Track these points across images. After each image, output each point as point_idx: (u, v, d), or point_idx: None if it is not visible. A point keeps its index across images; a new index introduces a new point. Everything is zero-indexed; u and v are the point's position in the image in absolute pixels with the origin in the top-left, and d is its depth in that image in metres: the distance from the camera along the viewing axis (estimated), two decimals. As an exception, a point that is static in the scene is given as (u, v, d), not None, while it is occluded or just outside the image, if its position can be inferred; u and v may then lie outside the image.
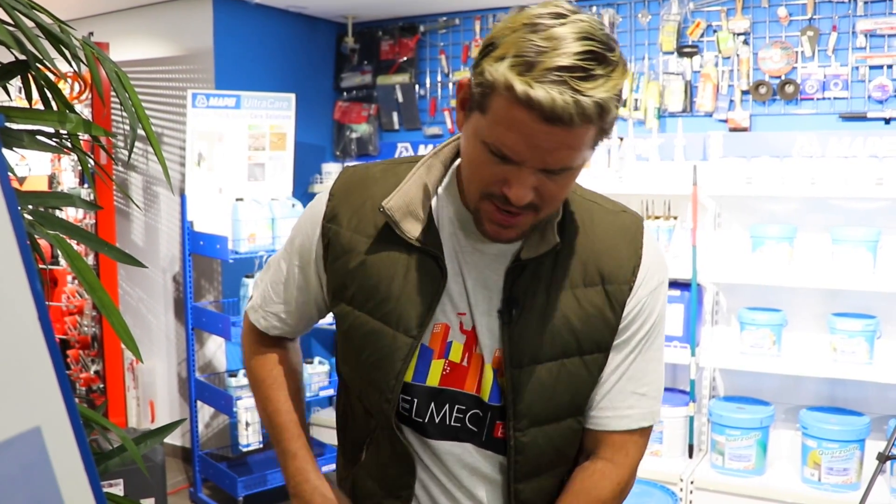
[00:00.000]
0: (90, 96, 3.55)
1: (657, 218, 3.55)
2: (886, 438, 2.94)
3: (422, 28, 4.37)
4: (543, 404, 1.08)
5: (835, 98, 3.42)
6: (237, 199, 3.65)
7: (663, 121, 3.75)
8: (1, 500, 0.66)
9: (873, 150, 3.29)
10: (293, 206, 3.80)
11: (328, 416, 4.41)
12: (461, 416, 1.11)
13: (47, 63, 1.15)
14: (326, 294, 1.19)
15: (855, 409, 3.28)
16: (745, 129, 3.57)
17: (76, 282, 3.83)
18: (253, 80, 4.07)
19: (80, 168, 3.72)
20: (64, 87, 3.42)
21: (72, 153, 1.33)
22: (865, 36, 3.34)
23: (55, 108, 1.26)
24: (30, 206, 1.22)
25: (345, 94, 4.61)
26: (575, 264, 1.09)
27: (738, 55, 3.58)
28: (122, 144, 4.23)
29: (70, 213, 3.58)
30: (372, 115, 4.48)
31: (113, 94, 3.38)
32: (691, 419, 3.46)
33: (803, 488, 3.18)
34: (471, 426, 1.11)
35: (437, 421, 1.11)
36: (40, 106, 1.27)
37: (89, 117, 3.54)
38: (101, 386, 3.75)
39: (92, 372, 3.76)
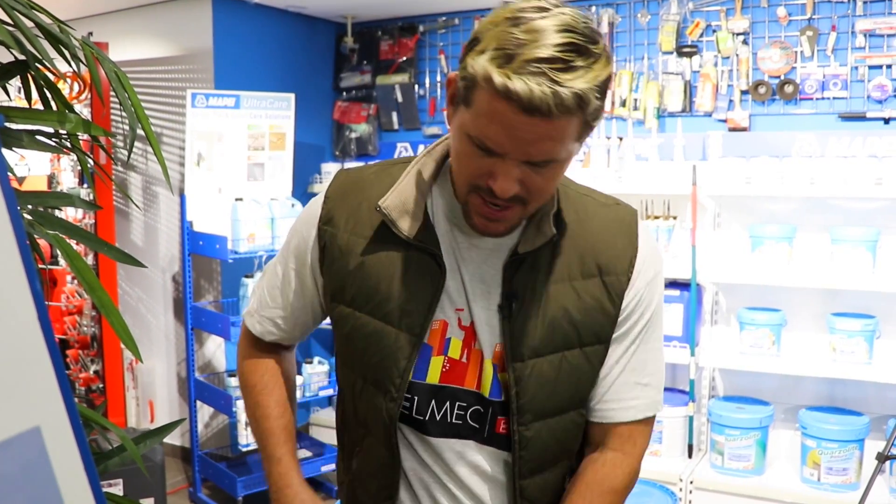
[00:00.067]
0: (89, 96, 3.55)
1: (656, 218, 3.55)
2: (886, 438, 2.94)
3: (421, 28, 4.37)
4: (546, 397, 1.09)
5: (834, 98, 3.42)
6: (236, 199, 3.65)
7: (663, 121, 3.75)
8: (1, 499, 0.66)
9: (872, 150, 3.29)
10: (292, 205, 3.80)
11: (328, 416, 4.41)
12: (462, 412, 1.11)
13: (47, 63, 1.15)
14: (323, 298, 1.19)
15: (854, 408, 3.29)
16: (744, 129, 3.57)
17: (75, 282, 3.83)
18: (252, 79, 4.07)
19: (79, 168, 3.72)
20: (63, 87, 3.42)
21: (71, 153, 1.33)
22: (865, 36, 3.34)
23: (55, 108, 1.26)
24: (29, 206, 1.22)
25: (344, 93, 4.61)
26: (572, 257, 1.10)
27: (737, 55, 3.58)
28: (121, 144, 4.23)
29: (69, 213, 3.58)
30: (371, 114, 4.48)
31: (112, 94, 3.39)
32: (691, 419, 3.46)
33: (803, 488, 3.18)
34: (472, 423, 1.11)
35: (437, 418, 1.11)
36: (40, 106, 1.27)
37: (89, 117, 3.53)
38: (101, 386, 3.75)
39: (91, 372, 3.76)
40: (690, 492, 3.29)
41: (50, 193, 1.68)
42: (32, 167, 3.93)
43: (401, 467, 1.14)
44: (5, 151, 1.12)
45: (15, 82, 2.03)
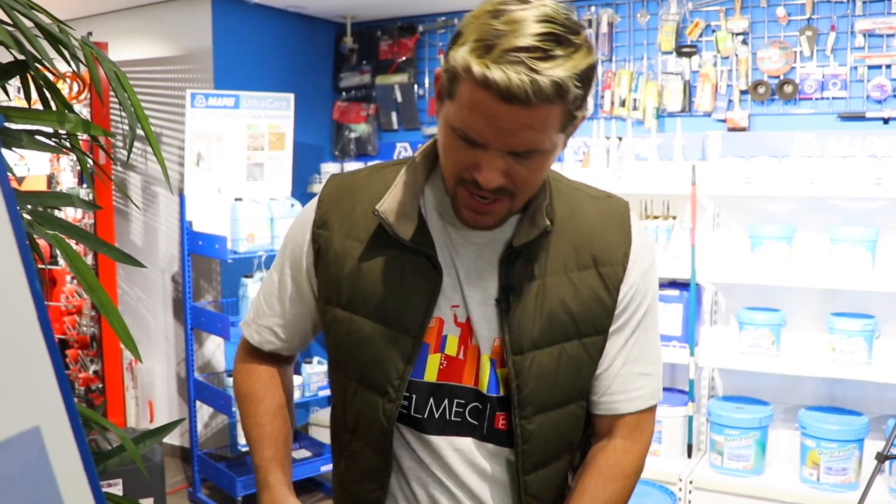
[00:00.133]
0: (89, 96, 3.55)
1: (656, 218, 3.55)
2: (885, 438, 2.94)
3: (420, 28, 4.37)
4: (546, 390, 1.09)
5: (833, 98, 3.43)
6: (236, 199, 3.65)
7: (662, 121, 3.75)
8: (1, 499, 0.66)
9: (872, 150, 3.29)
10: (292, 206, 3.80)
11: (327, 416, 4.40)
12: (461, 409, 1.11)
13: (46, 63, 1.15)
14: (317, 301, 1.19)
15: (854, 408, 3.29)
16: (743, 129, 3.57)
17: (75, 281, 3.83)
18: (252, 79, 4.07)
19: (78, 168, 3.72)
20: (63, 87, 3.42)
21: (71, 153, 1.33)
22: (864, 36, 3.34)
23: (54, 107, 1.26)
24: (29, 206, 1.22)
25: (343, 93, 4.61)
26: (567, 249, 1.11)
27: (736, 55, 3.58)
28: (120, 144, 4.23)
29: (69, 213, 3.58)
30: (371, 114, 4.48)
31: (112, 93, 3.39)
32: (690, 419, 3.46)
33: (802, 488, 3.18)
34: (471, 420, 1.11)
35: (436, 416, 1.11)
36: (39, 106, 1.27)
37: (88, 117, 3.53)
38: (100, 386, 3.75)
39: (91, 372, 3.76)
40: (690, 492, 3.29)
41: (49, 193, 1.68)
42: (32, 167, 3.92)
43: (392, 470, 1.13)
44: (5, 151, 1.12)
45: (14, 82, 2.03)
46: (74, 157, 2.79)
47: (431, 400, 1.11)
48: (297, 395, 3.63)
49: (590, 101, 0.99)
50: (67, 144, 1.31)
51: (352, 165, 4.46)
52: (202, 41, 3.97)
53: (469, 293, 1.10)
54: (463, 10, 4.19)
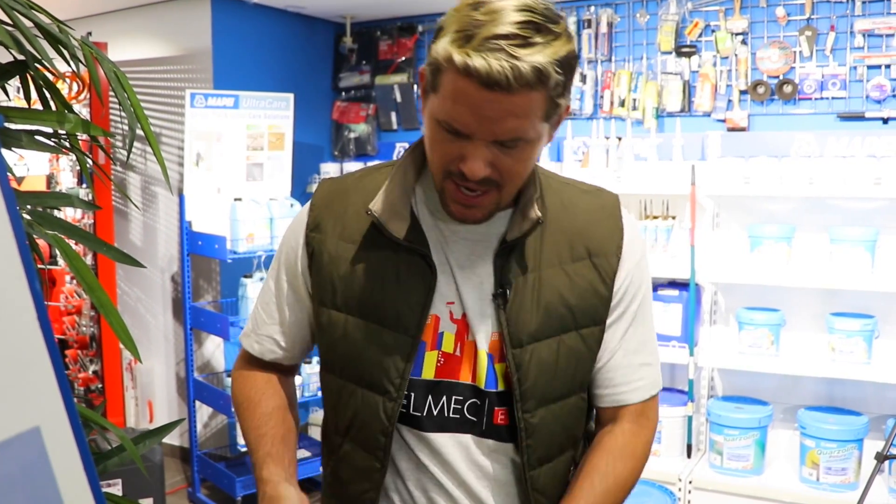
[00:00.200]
0: (89, 96, 3.55)
1: (655, 218, 3.55)
2: (885, 438, 2.94)
3: (420, 28, 4.37)
4: (547, 382, 1.09)
5: (833, 98, 3.43)
6: (235, 199, 3.65)
7: (661, 121, 3.75)
8: (1, 499, 0.66)
9: (871, 150, 3.29)
10: (291, 206, 3.80)
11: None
12: (459, 406, 1.11)
13: (46, 63, 1.15)
14: (313, 303, 1.19)
15: (853, 408, 3.29)
16: (743, 129, 3.57)
17: (74, 282, 3.83)
18: (251, 79, 4.07)
19: (78, 168, 3.72)
20: (62, 87, 3.42)
21: (70, 153, 1.33)
22: (863, 36, 3.34)
23: (54, 108, 1.26)
24: (28, 206, 1.22)
25: (343, 93, 4.61)
26: (560, 241, 1.11)
27: (736, 55, 3.58)
28: (120, 144, 4.23)
29: (68, 213, 3.57)
30: (370, 114, 4.48)
31: (111, 93, 3.39)
32: (690, 419, 3.46)
33: (802, 488, 3.18)
34: (470, 416, 1.11)
35: (434, 414, 1.11)
36: (39, 106, 1.27)
37: (88, 117, 3.53)
38: (100, 386, 3.75)
39: (90, 372, 3.76)
40: (689, 492, 3.29)
41: (49, 193, 1.68)
42: (31, 167, 3.92)
43: (387, 471, 1.13)
44: (4, 151, 1.12)
45: (14, 82, 2.03)
46: (74, 158, 2.79)
47: (430, 397, 1.11)
48: (297, 396, 3.62)
49: (573, 91, 1.00)
50: (67, 144, 1.31)
51: (351, 165, 4.46)
52: (202, 41, 3.97)
53: (464, 289, 1.11)
54: (462, 10, 4.19)
